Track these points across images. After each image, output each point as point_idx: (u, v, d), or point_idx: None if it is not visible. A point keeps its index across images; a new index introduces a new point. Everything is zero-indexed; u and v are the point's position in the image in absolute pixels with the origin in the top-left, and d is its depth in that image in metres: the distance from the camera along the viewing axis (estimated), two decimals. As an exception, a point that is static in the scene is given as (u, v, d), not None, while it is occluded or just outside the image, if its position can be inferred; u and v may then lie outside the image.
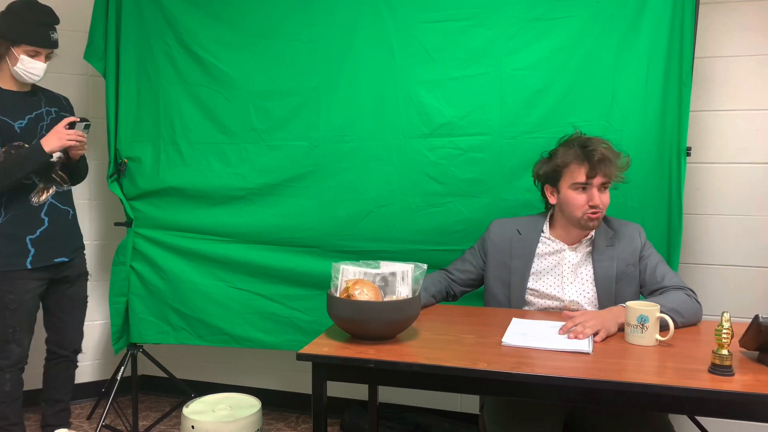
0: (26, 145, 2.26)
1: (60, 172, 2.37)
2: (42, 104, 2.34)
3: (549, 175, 1.97)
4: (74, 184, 2.49)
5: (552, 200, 1.98)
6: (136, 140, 2.68)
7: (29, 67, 2.24)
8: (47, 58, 2.29)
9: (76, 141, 2.25)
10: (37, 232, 2.28)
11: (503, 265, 1.99)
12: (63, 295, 2.43)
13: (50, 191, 2.33)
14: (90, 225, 2.97)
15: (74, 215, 2.44)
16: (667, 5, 2.14)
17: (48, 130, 2.29)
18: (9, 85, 2.28)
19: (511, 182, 2.29)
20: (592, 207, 1.87)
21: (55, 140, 2.22)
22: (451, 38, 2.32)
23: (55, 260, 2.33)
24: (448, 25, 2.32)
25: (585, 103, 2.23)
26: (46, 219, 2.31)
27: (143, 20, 2.63)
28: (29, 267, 2.27)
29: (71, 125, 2.25)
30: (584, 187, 1.89)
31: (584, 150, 1.88)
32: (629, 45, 2.18)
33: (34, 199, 2.29)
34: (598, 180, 1.87)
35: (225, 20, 2.54)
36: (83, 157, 2.45)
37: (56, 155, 2.32)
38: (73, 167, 2.43)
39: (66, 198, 2.40)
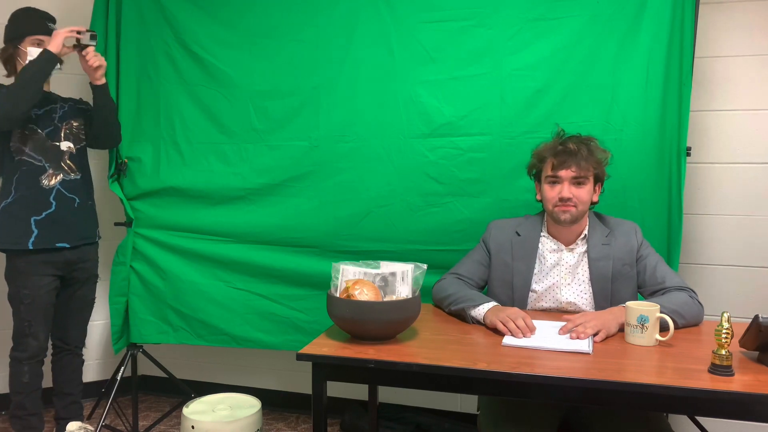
0: (39, 131, 2.36)
1: (69, 161, 2.42)
2: (57, 101, 2.45)
3: (533, 170, 2.00)
4: (109, 139, 2.53)
5: (538, 196, 1.99)
6: (136, 140, 2.68)
7: (34, 56, 2.33)
8: None
9: (75, 33, 2.29)
10: (43, 215, 2.34)
11: (505, 266, 1.99)
12: (72, 296, 2.50)
13: (58, 177, 2.38)
14: (90, 225, 2.97)
15: (82, 205, 2.46)
16: (667, 5, 2.14)
17: (61, 120, 2.41)
18: None
19: (511, 182, 2.29)
20: (561, 200, 1.88)
21: (55, 37, 2.26)
22: (451, 38, 2.32)
23: (57, 245, 2.37)
24: (448, 25, 2.32)
25: (585, 103, 2.23)
26: (54, 203, 2.37)
27: (143, 20, 2.63)
28: (31, 248, 2.32)
29: (78, 42, 2.30)
30: (556, 180, 1.90)
31: (559, 142, 1.91)
32: (629, 45, 2.18)
33: (45, 182, 2.35)
34: (566, 173, 1.87)
35: (225, 20, 2.54)
36: (108, 92, 2.46)
37: (65, 145, 2.40)
38: (99, 107, 2.45)
39: (73, 186, 2.43)
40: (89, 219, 2.52)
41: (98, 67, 2.37)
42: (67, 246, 2.40)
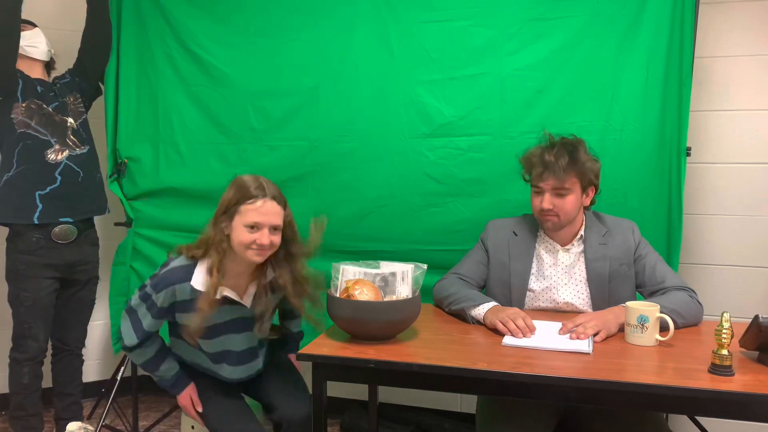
0: (45, 105, 2.37)
1: (72, 137, 2.43)
2: (52, 84, 2.47)
3: (525, 173, 1.97)
4: (99, 17, 2.51)
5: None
6: (135, 140, 2.68)
7: (29, 39, 2.37)
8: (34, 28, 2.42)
9: None
10: (47, 189, 2.34)
11: (503, 266, 1.99)
12: (72, 298, 2.50)
13: (65, 153, 2.38)
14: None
15: (86, 178, 2.45)
16: (667, 5, 2.14)
17: (63, 96, 2.44)
18: (30, 75, 2.41)
19: (511, 182, 2.29)
20: (542, 211, 1.87)
21: None
22: (451, 38, 2.32)
23: (60, 219, 2.37)
24: (448, 25, 2.32)
25: (585, 103, 2.23)
26: (59, 178, 2.36)
27: (143, 20, 2.63)
28: (36, 222, 2.31)
29: None
30: (538, 190, 1.88)
31: (539, 153, 1.87)
32: (629, 45, 2.18)
33: (51, 156, 2.35)
34: (546, 185, 1.85)
35: (224, 20, 2.54)
36: None
37: (69, 121, 2.42)
38: (95, 23, 2.50)
39: (79, 160, 2.43)
40: (96, 192, 2.51)
41: None
42: (70, 220, 2.39)
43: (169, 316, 1.85)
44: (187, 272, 1.77)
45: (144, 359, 1.91)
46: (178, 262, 1.80)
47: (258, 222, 1.73)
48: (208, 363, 1.96)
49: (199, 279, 1.76)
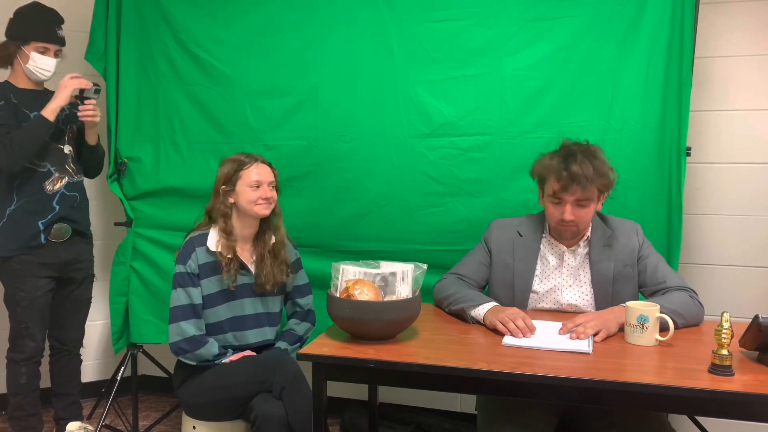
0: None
1: (72, 164, 2.44)
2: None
3: (536, 178, 1.95)
4: (92, 176, 2.58)
5: (541, 202, 1.97)
6: (136, 140, 2.68)
7: (40, 64, 2.33)
8: (56, 55, 2.37)
9: (89, 112, 2.33)
10: (48, 217, 2.35)
11: (506, 266, 1.98)
12: (69, 297, 2.50)
13: (63, 181, 2.39)
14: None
15: (81, 202, 2.47)
16: (667, 5, 2.14)
17: (65, 123, 2.42)
18: (24, 85, 2.37)
19: (511, 182, 2.29)
20: (563, 221, 1.85)
21: (58, 96, 2.28)
22: (451, 38, 2.32)
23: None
24: (448, 25, 2.32)
25: (585, 103, 2.23)
26: (57, 207, 2.37)
27: (143, 20, 2.63)
28: (44, 242, 2.34)
29: (81, 91, 2.32)
30: (559, 201, 1.85)
31: (563, 164, 1.82)
32: (629, 45, 2.18)
33: (48, 187, 2.35)
34: (570, 197, 1.83)
35: (223, 19, 2.54)
36: (99, 146, 2.50)
37: (68, 148, 2.41)
38: (88, 157, 2.49)
39: (74, 186, 2.44)
40: (86, 216, 2.53)
41: (92, 124, 2.39)
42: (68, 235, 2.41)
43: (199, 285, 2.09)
44: (203, 238, 2.12)
45: (215, 348, 2.07)
46: (193, 234, 2.15)
47: (259, 180, 2.09)
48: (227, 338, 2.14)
49: (212, 240, 2.10)
